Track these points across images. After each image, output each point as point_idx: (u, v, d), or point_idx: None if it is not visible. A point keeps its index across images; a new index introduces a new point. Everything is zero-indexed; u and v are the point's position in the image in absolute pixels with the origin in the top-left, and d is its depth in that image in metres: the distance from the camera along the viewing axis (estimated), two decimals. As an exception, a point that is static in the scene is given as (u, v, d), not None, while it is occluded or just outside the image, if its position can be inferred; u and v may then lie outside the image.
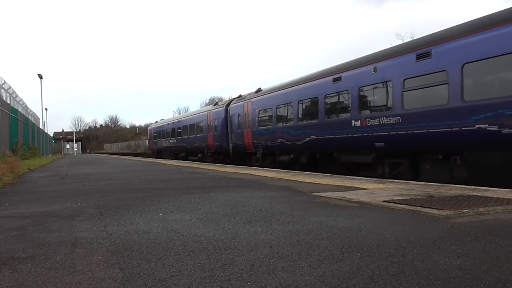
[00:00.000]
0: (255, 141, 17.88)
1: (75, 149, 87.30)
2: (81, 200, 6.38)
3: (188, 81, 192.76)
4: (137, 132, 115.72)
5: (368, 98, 11.52)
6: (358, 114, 11.51)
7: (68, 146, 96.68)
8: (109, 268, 2.71)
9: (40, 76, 45.93)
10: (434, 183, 7.66)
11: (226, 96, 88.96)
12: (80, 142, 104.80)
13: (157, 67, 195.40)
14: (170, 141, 32.52)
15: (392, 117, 10.26)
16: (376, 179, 8.85)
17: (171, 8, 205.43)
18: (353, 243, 3.21)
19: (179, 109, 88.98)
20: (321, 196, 6.08)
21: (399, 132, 10.05)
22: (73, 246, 3.34)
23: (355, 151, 11.91)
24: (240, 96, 21.38)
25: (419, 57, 9.64)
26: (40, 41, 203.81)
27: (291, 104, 15.08)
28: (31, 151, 29.82)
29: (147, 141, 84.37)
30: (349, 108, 11.98)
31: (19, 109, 29.25)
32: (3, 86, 23.72)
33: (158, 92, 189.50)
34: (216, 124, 22.86)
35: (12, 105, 25.71)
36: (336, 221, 4.10)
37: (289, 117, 15.45)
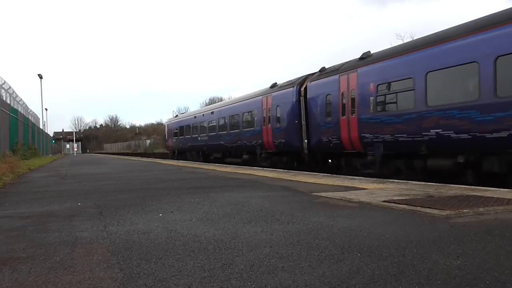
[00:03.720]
0: (366, 135, 11.47)
1: (75, 149, 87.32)
2: (81, 200, 6.38)
3: (188, 82, 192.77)
4: (137, 132, 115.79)
5: None
6: None
7: (68, 146, 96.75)
8: (109, 268, 2.71)
9: (40, 76, 45.95)
10: (434, 183, 7.65)
11: (226, 96, 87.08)
12: (80, 142, 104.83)
13: (157, 67, 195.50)
14: (199, 138, 25.54)
15: None
16: (376, 179, 8.85)
17: (170, 8, 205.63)
18: (353, 243, 3.21)
19: (179, 109, 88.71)
20: (321, 196, 6.08)
21: None
22: (73, 246, 3.34)
23: None
24: (323, 69, 14.32)
25: None
26: (40, 41, 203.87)
27: (477, 64, 8.39)
28: (31, 151, 29.83)
29: (146, 141, 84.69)
30: None
31: (19, 109, 29.28)
32: (3, 86, 23.73)
33: (158, 92, 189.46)
34: (278, 112, 16.15)
35: (12, 105, 25.73)
36: (336, 221, 4.10)
37: (464, 91, 8.94)
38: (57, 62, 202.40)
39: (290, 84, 15.85)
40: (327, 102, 13.30)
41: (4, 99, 23.37)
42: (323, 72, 14.08)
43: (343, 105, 12.48)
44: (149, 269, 2.65)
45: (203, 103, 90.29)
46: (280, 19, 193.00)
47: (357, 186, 7.29)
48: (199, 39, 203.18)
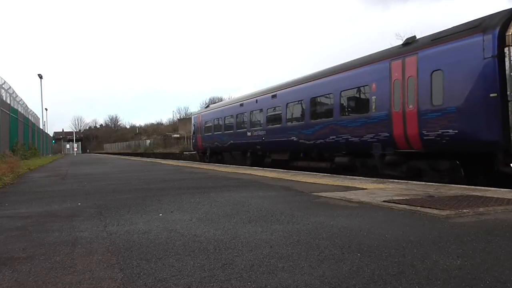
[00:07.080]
0: None
1: (75, 149, 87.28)
2: (81, 200, 6.38)
3: (188, 82, 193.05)
4: (137, 132, 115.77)
5: None
6: None
7: (68, 146, 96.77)
8: (109, 268, 2.71)
9: (40, 76, 45.93)
10: (434, 183, 7.65)
11: (226, 96, 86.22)
12: (80, 142, 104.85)
13: (157, 67, 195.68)
14: (249, 133, 18.45)
15: None
16: (376, 179, 8.84)
17: (170, 8, 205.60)
18: (353, 243, 3.21)
19: (179, 109, 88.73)
20: (321, 196, 6.08)
21: None
22: (73, 246, 3.33)
23: None
24: None
25: None
26: (40, 41, 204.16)
27: None
28: (31, 151, 29.82)
29: (146, 141, 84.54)
30: None
31: (19, 109, 29.27)
32: (3, 86, 23.72)
33: (158, 93, 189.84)
34: (436, 83, 9.20)
35: (12, 105, 25.72)
36: (336, 221, 4.10)
37: None
38: (57, 62, 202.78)
39: (469, 29, 8.68)
40: None
41: (4, 99, 23.36)
42: None
43: None
44: (149, 269, 2.65)
45: (203, 103, 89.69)
46: (282, 19, 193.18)
47: (357, 186, 7.29)
48: (199, 39, 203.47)
